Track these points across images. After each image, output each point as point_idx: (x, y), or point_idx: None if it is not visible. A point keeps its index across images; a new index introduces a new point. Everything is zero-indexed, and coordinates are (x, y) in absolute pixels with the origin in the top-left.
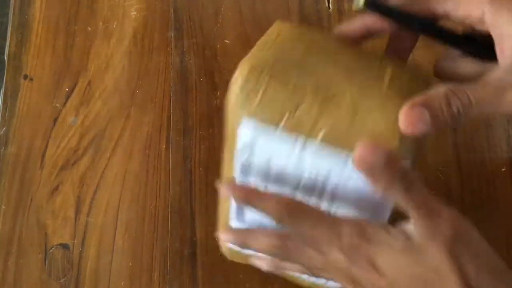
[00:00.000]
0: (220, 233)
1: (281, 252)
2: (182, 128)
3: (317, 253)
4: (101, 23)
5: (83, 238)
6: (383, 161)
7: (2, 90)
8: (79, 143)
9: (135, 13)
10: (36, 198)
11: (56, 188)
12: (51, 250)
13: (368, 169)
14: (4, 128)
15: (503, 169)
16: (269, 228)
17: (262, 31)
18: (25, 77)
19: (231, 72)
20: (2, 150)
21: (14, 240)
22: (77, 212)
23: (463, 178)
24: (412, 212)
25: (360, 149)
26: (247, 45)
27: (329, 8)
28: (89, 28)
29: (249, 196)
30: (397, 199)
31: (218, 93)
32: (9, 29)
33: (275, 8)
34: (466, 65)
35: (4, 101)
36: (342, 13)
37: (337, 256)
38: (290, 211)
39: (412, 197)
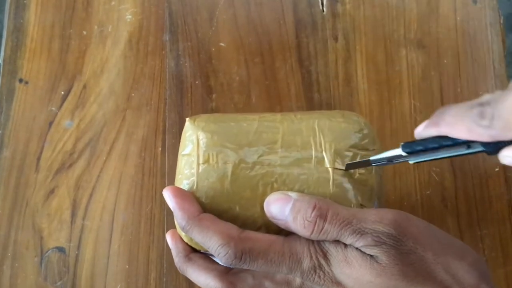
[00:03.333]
0: (168, 235)
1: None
2: (178, 131)
3: (279, 277)
4: (96, 27)
5: (79, 241)
6: (288, 210)
7: None
8: (74, 147)
9: (130, 17)
10: (32, 201)
11: (52, 191)
12: (47, 254)
13: (284, 225)
14: (0, 132)
15: (496, 169)
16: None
17: (256, 34)
18: (20, 80)
19: (226, 75)
20: None
21: (9, 244)
22: (73, 215)
23: (457, 178)
24: (345, 233)
25: (266, 208)
26: (241, 48)
27: (323, 11)
28: (84, 32)
29: (188, 222)
30: (327, 236)
31: (213, 96)
32: (4, 33)
33: (269, 11)
34: None
35: (0, 105)
36: (336, 16)
37: (299, 283)
38: (236, 246)
39: (336, 220)
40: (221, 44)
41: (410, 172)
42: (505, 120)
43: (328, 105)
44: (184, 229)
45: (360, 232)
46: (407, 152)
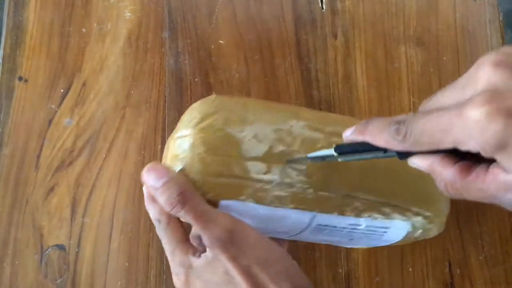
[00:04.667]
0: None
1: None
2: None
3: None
4: (95, 25)
5: (79, 239)
6: (161, 182)
7: None
8: (74, 144)
9: (129, 14)
10: (32, 199)
11: (52, 189)
12: (47, 251)
13: (153, 191)
14: None
15: None
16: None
17: (256, 31)
18: (20, 78)
19: (225, 72)
20: None
21: (9, 242)
22: (73, 213)
23: None
24: (194, 225)
25: (145, 172)
26: (241, 45)
27: (323, 8)
28: (84, 30)
29: (147, 199)
30: (181, 216)
31: (213, 93)
32: (4, 31)
33: (269, 8)
34: (443, 97)
35: None
36: (335, 13)
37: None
38: (162, 221)
39: (190, 212)
40: (221, 41)
41: None
42: (414, 138)
43: (327, 102)
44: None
45: (203, 230)
46: (338, 153)
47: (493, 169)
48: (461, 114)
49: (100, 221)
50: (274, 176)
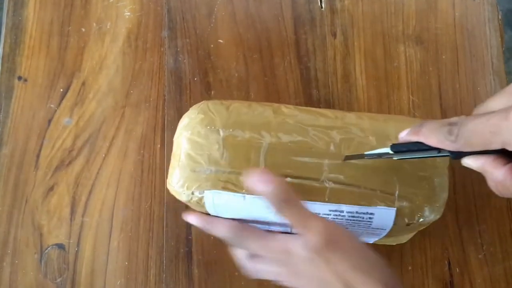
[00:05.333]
0: (187, 215)
1: (236, 239)
2: (176, 127)
3: (262, 259)
4: (94, 24)
5: (79, 238)
6: (270, 188)
7: None
8: (73, 144)
9: (128, 13)
10: (31, 198)
11: (51, 188)
12: (46, 251)
13: (264, 194)
14: None
15: None
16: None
17: (255, 31)
18: (19, 78)
19: (224, 71)
20: None
21: (9, 241)
22: (72, 212)
23: (456, 174)
24: (294, 227)
25: (252, 179)
26: (240, 44)
27: (322, 8)
28: (83, 29)
29: (204, 224)
30: (284, 215)
31: (212, 92)
32: (3, 30)
33: (268, 8)
34: (493, 102)
35: None
36: (334, 12)
37: (266, 266)
38: (234, 233)
39: (291, 213)
40: (220, 40)
41: None
42: (465, 139)
43: (326, 101)
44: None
45: (303, 231)
46: (393, 151)
47: None
48: (507, 117)
49: (99, 220)
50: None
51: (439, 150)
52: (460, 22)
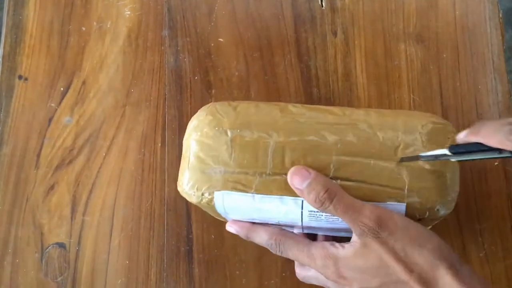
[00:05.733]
0: (229, 225)
1: (278, 247)
2: (177, 126)
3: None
4: (95, 23)
5: (79, 237)
6: (305, 184)
7: None
8: (74, 143)
9: (129, 12)
10: (32, 197)
11: (52, 187)
12: (47, 249)
13: (300, 193)
14: None
15: (495, 164)
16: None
17: (255, 29)
18: (20, 77)
19: (225, 70)
20: None
21: (10, 240)
22: (73, 211)
23: None
24: (343, 218)
25: (290, 177)
26: (240, 43)
27: (322, 6)
28: (83, 28)
29: (247, 232)
30: (328, 210)
31: (213, 91)
32: (3, 29)
33: (268, 6)
34: None
35: None
36: (335, 11)
37: (314, 273)
38: (276, 240)
39: (338, 206)
40: (220, 39)
41: None
42: None
43: (327, 100)
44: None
45: (352, 221)
46: (452, 152)
47: None
48: None
49: (100, 219)
50: (262, 168)
51: (499, 150)
52: (461, 20)
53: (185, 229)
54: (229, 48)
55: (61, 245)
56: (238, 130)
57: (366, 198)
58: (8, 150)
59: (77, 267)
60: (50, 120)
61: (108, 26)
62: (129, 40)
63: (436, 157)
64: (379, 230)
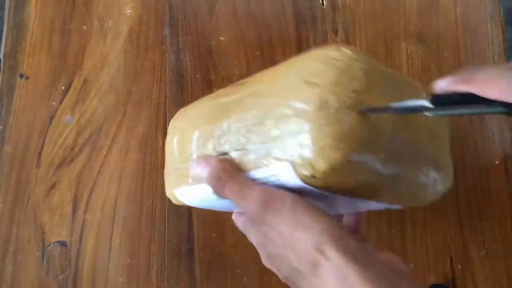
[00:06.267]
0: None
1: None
2: None
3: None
4: (96, 22)
5: (81, 236)
6: (206, 173)
7: None
8: (75, 141)
9: (130, 11)
10: (33, 196)
11: (53, 186)
12: (48, 248)
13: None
14: (1, 127)
15: (496, 162)
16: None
17: (256, 28)
18: (21, 76)
19: (226, 68)
20: None
21: (11, 238)
22: (74, 209)
23: (457, 171)
24: (236, 204)
25: (192, 169)
26: (241, 42)
27: (323, 5)
28: (85, 27)
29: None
30: (227, 198)
31: (214, 89)
32: (5, 28)
33: (269, 5)
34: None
35: (0, 100)
36: (336, 10)
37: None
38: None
39: (229, 192)
40: (221, 38)
41: None
42: None
43: None
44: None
45: (241, 207)
46: (433, 104)
47: None
48: None
49: (101, 218)
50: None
51: (490, 103)
52: (462, 19)
53: (186, 228)
54: (230, 47)
55: (62, 244)
56: (183, 131)
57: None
58: (9, 149)
59: (78, 266)
60: (51, 119)
61: (109, 25)
62: (130, 39)
63: (412, 109)
64: (263, 211)
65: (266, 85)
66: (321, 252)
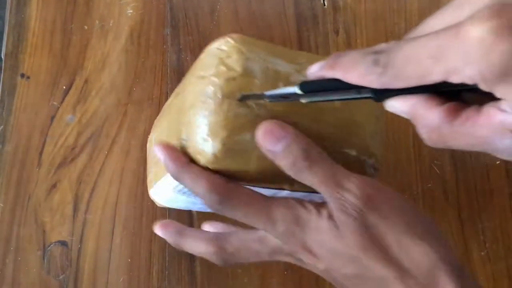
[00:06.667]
0: (156, 227)
1: (221, 255)
2: None
3: (259, 244)
4: (97, 22)
5: (82, 235)
6: (281, 146)
7: None
8: (76, 141)
9: (131, 11)
10: (34, 196)
11: (54, 185)
12: (49, 248)
13: (271, 156)
14: (2, 127)
15: (497, 162)
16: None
17: (258, 28)
18: (22, 75)
19: None
20: None
21: (12, 238)
22: (75, 209)
23: (458, 171)
24: (319, 189)
25: (261, 135)
26: None
27: (324, 5)
28: (86, 27)
29: (179, 170)
30: (303, 179)
31: None
32: (6, 28)
33: (270, 5)
34: (435, 21)
35: (1, 100)
36: (337, 10)
37: (275, 243)
38: (221, 194)
39: (316, 174)
40: None
41: (411, 165)
42: (396, 69)
43: None
44: (175, 176)
45: (330, 195)
46: (303, 91)
47: (489, 109)
48: (457, 33)
49: (102, 218)
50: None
51: (359, 90)
52: None
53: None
54: None
55: (63, 243)
56: (156, 126)
57: None
58: (10, 149)
59: (79, 265)
60: (52, 118)
61: (111, 24)
62: (131, 38)
63: (284, 96)
64: (366, 210)
65: (183, 82)
66: (434, 276)
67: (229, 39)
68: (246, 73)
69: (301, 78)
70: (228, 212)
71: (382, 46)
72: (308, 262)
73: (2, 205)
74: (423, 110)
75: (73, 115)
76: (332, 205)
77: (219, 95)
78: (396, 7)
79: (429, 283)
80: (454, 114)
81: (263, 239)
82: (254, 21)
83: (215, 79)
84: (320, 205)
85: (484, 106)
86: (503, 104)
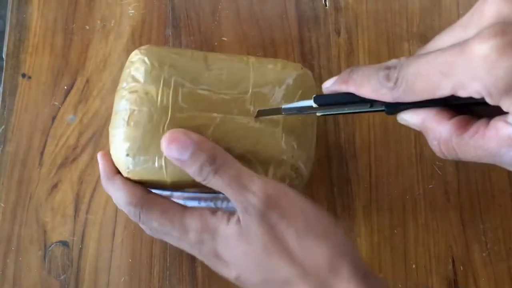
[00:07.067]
0: (100, 153)
1: (138, 215)
2: None
3: (178, 232)
4: (99, 22)
5: (83, 235)
6: (187, 154)
7: (0, 88)
8: (77, 141)
9: (132, 11)
10: (35, 196)
11: (55, 185)
12: (50, 248)
13: (180, 164)
14: (3, 127)
15: None
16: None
17: (259, 28)
18: (23, 75)
19: None
20: (0, 149)
21: (13, 238)
22: (76, 209)
23: (460, 172)
24: (227, 193)
25: (165, 146)
26: (244, 42)
27: (326, 6)
28: (87, 27)
29: (105, 182)
30: (212, 184)
31: None
32: (7, 28)
33: (272, 5)
34: (442, 39)
35: (3, 100)
36: (338, 10)
37: (189, 249)
38: (137, 206)
39: (221, 177)
40: (224, 38)
41: (413, 166)
42: (407, 83)
43: None
44: (104, 187)
45: (234, 197)
46: (318, 104)
47: (496, 123)
48: (464, 50)
49: (103, 218)
50: None
51: (371, 103)
52: None
53: None
54: (232, 47)
55: (64, 243)
56: None
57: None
58: (11, 148)
59: (80, 265)
60: (53, 118)
61: (112, 24)
62: (133, 39)
63: (300, 109)
64: (266, 210)
65: None
66: (335, 274)
67: (137, 51)
68: (147, 83)
69: (211, 78)
70: (146, 223)
71: (393, 61)
72: (222, 271)
73: (3, 205)
74: (433, 123)
75: (74, 115)
76: (237, 207)
77: (127, 107)
78: (398, 8)
79: (330, 280)
80: (463, 127)
81: (177, 242)
82: (255, 21)
83: (124, 92)
84: (233, 213)
85: (492, 120)
86: (509, 118)
